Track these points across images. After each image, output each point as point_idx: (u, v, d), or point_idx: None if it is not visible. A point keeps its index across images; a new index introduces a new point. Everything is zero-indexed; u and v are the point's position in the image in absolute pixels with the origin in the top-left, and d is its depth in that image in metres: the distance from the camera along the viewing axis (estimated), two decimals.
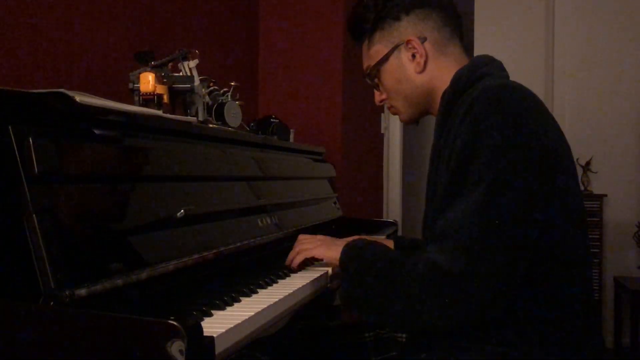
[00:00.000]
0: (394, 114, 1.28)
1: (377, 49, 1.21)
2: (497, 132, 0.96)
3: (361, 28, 1.24)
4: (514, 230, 0.94)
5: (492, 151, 0.96)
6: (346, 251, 1.14)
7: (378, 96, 1.28)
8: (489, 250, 0.93)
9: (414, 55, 1.17)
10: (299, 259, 1.31)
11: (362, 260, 1.09)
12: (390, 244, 1.52)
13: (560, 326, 1.00)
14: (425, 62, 1.17)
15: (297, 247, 1.33)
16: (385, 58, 1.20)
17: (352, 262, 1.10)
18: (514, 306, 0.99)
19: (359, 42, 1.27)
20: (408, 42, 1.17)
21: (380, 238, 1.57)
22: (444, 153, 1.06)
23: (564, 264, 1.01)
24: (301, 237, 1.36)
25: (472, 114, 0.99)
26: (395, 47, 1.19)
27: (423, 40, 1.17)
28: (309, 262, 1.39)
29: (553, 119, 1.06)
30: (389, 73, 1.21)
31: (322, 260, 1.33)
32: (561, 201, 1.00)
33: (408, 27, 1.18)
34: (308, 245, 1.30)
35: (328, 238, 1.32)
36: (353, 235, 1.55)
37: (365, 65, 1.26)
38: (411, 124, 1.31)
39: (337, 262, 1.15)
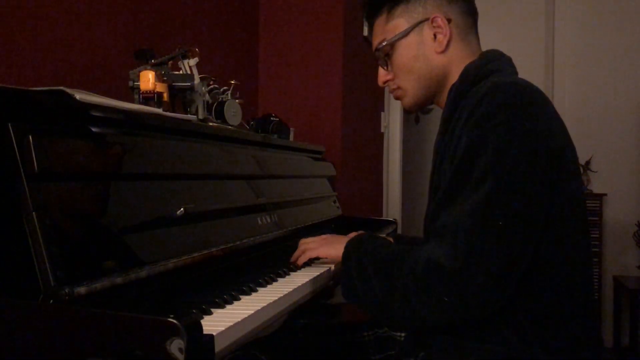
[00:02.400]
0: (397, 97, 1.24)
1: (396, 23, 1.17)
2: (504, 130, 0.96)
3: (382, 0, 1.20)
4: (515, 230, 0.94)
5: (498, 150, 0.95)
6: (348, 245, 1.14)
7: (384, 75, 1.23)
8: (488, 249, 0.93)
9: (435, 36, 1.15)
10: (303, 259, 1.31)
11: (363, 253, 1.09)
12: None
13: (560, 326, 1.00)
14: (448, 44, 1.15)
15: (302, 246, 1.32)
16: (405, 33, 1.16)
17: (353, 255, 1.11)
18: (513, 305, 0.99)
19: (373, 15, 1.22)
20: (433, 19, 1.14)
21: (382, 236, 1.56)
22: (449, 149, 1.05)
23: (565, 264, 1.01)
24: (303, 240, 1.36)
25: (480, 110, 0.98)
26: (419, 23, 1.15)
27: (449, 21, 1.14)
28: (310, 261, 1.39)
29: (560, 119, 1.06)
30: (406, 49, 1.17)
31: (325, 258, 1.32)
32: (563, 201, 1.00)
33: (435, 5, 1.15)
34: (312, 245, 1.30)
35: (331, 236, 1.33)
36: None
37: (378, 39, 1.21)
38: (413, 111, 1.29)
39: (340, 259, 1.15)
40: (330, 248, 1.26)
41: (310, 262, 1.38)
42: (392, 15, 1.18)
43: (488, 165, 0.95)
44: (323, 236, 1.34)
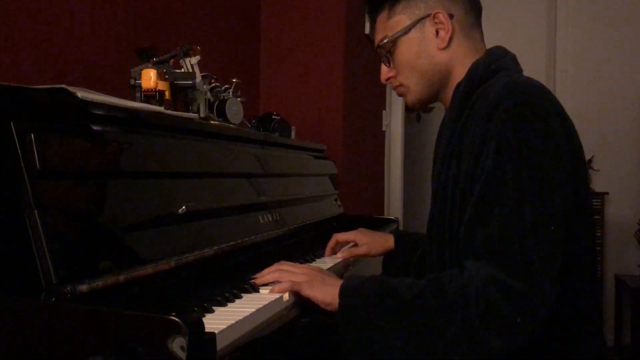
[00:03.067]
0: (400, 94, 1.22)
1: (398, 20, 1.16)
2: (535, 135, 0.94)
3: None
4: (558, 233, 0.93)
5: (531, 155, 0.93)
6: (350, 294, 0.98)
7: (386, 72, 1.21)
8: (545, 259, 0.90)
9: (437, 32, 1.13)
10: (284, 288, 1.05)
11: (380, 299, 0.95)
12: (390, 238, 1.52)
13: (563, 325, 1.00)
14: (450, 40, 1.13)
15: (281, 271, 1.10)
16: (407, 29, 1.15)
17: (363, 306, 0.96)
18: None
19: (375, 11, 1.21)
20: (435, 15, 1.12)
21: (380, 234, 1.56)
22: (459, 150, 1.04)
23: (571, 263, 1.00)
24: (281, 263, 1.14)
25: (502, 113, 0.96)
26: (420, 20, 1.14)
27: (451, 17, 1.13)
28: (310, 260, 1.39)
29: (569, 117, 1.05)
30: (407, 46, 1.15)
31: (322, 258, 1.27)
32: (576, 202, 1.00)
33: (436, 1, 1.13)
34: (294, 277, 1.07)
35: (315, 271, 1.09)
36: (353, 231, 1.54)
37: (380, 36, 1.19)
38: (417, 108, 1.27)
39: (329, 307, 1.01)
40: (316, 291, 1.03)
41: (312, 263, 1.37)
42: (393, 11, 1.17)
43: (523, 172, 0.93)
44: (304, 269, 1.11)
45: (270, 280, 1.08)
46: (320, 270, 1.12)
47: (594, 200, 3.48)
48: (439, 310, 0.90)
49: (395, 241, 1.50)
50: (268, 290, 1.05)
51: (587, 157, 3.55)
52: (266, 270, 1.12)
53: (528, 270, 0.89)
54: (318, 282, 1.05)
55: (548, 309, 0.90)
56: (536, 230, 0.91)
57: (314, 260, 1.42)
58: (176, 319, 0.67)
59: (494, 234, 0.91)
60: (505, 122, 0.96)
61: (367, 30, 2.91)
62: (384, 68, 1.22)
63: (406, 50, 1.16)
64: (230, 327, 0.83)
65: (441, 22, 1.13)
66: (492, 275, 0.89)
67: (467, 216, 0.97)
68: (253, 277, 1.12)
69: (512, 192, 0.92)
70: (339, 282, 1.02)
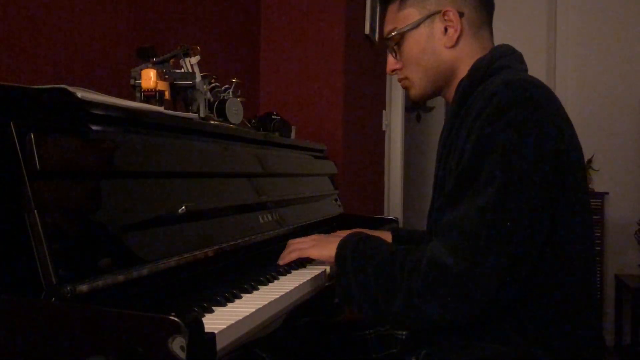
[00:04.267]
0: (405, 87, 1.22)
1: (408, 13, 1.15)
2: (514, 130, 0.94)
3: None
4: (521, 232, 0.93)
5: (507, 149, 0.94)
6: (341, 247, 1.11)
7: (392, 64, 1.21)
8: (494, 250, 0.92)
9: (446, 29, 1.13)
10: (291, 257, 1.27)
11: (359, 255, 1.07)
12: (388, 235, 1.52)
13: (562, 325, 1.00)
14: (458, 39, 1.13)
15: (291, 246, 1.29)
16: (416, 24, 1.14)
17: (348, 258, 1.08)
18: (516, 304, 0.98)
19: (386, 2, 1.20)
20: (445, 12, 1.12)
21: (378, 232, 1.56)
22: (456, 144, 1.04)
23: (569, 264, 1.00)
24: (292, 240, 1.32)
25: (490, 108, 0.97)
26: (430, 15, 1.13)
27: (461, 15, 1.12)
28: (309, 260, 1.39)
29: (568, 117, 1.05)
30: (415, 41, 1.15)
31: (316, 259, 1.31)
32: (569, 202, 1.00)
33: None
34: (302, 245, 1.27)
35: (321, 236, 1.29)
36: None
37: (389, 27, 1.19)
38: (420, 102, 1.28)
39: (333, 260, 1.13)
40: (322, 248, 1.22)
41: (309, 261, 1.37)
42: (404, 4, 1.16)
43: (496, 165, 0.94)
44: (313, 236, 1.31)
45: (287, 258, 1.27)
46: (325, 235, 1.30)
47: (594, 200, 3.48)
48: (394, 279, 0.99)
49: (393, 238, 1.50)
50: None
51: (587, 157, 3.56)
52: (283, 253, 1.29)
53: (472, 257, 0.92)
54: (323, 242, 1.24)
55: (487, 297, 0.93)
56: (494, 222, 0.92)
57: (314, 260, 1.42)
58: (176, 319, 0.67)
59: (455, 219, 0.96)
60: (489, 117, 0.97)
61: (367, 31, 2.91)
62: (390, 59, 1.21)
63: (413, 45, 1.15)
64: (230, 327, 0.83)
65: (450, 20, 1.12)
66: (439, 255, 0.95)
67: (442, 199, 1.03)
68: (276, 263, 1.29)
69: (483, 184, 0.94)
70: (341, 239, 1.15)
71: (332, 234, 1.31)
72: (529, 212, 0.94)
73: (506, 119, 0.95)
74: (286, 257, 1.28)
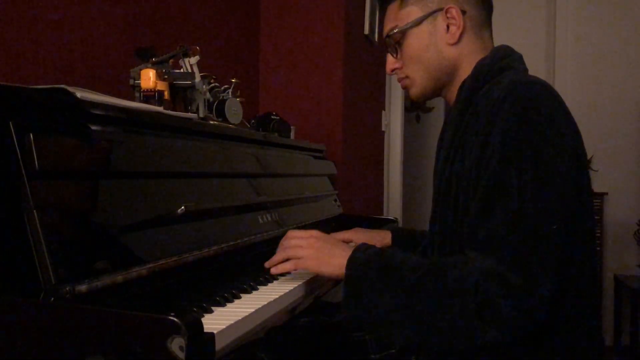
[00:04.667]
0: (405, 87, 1.21)
1: (410, 11, 1.15)
2: (539, 131, 0.94)
3: None
4: (558, 234, 0.93)
5: (536, 152, 0.93)
6: (354, 266, 1.00)
7: (392, 63, 1.20)
8: (546, 256, 0.91)
9: (448, 27, 1.12)
10: (285, 268, 1.12)
11: (382, 275, 0.96)
12: (388, 234, 1.51)
13: (562, 325, 1.00)
14: (460, 36, 1.12)
15: (287, 250, 1.13)
16: (418, 22, 1.14)
17: (367, 279, 0.97)
18: None
19: (387, 1, 1.20)
20: (448, 10, 1.12)
21: (377, 231, 1.56)
22: (462, 148, 1.04)
23: (571, 264, 1.00)
24: (290, 233, 1.16)
25: (507, 110, 0.96)
26: (432, 13, 1.13)
27: (463, 13, 1.12)
28: None
29: (573, 118, 1.05)
30: (417, 38, 1.15)
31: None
32: (581, 200, 1.00)
33: None
34: (299, 252, 1.11)
35: (320, 239, 1.12)
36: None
37: (389, 26, 1.18)
38: (420, 101, 1.26)
39: (337, 278, 1.05)
40: (321, 264, 1.07)
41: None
42: (406, 2, 1.16)
43: (528, 168, 0.93)
44: (312, 232, 1.14)
45: (281, 268, 1.12)
46: (326, 238, 1.13)
47: (593, 200, 3.48)
48: (439, 296, 0.91)
49: (393, 237, 1.50)
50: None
51: (587, 157, 3.56)
52: (275, 256, 1.14)
53: (527, 267, 0.89)
54: (325, 255, 1.07)
55: (544, 305, 0.90)
56: (536, 227, 0.91)
57: None
58: (175, 319, 0.67)
59: (496, 229, 0.92)
60: (509, 120, 0.96)
61: (366, 31, 2.91)
62: (390, 58, 1.21)
63: (415, 42, 1.15)
64: (230, 327, 0.83)
65: (453, 17, 1.12)
66: (493, 268, 0.89)
67: (472, 210, 0.98)
68: (266, 269, 1.16)
69: (516, 189, 0.93)
70: (347, 253, 1.04)
71: (330, 236, 1.19)
72: (560, 216, 0.93)
73: (524, 121, 0.95)
74: (279, 267, 1.13)
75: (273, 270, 1.14)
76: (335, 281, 1.21)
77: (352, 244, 1.09)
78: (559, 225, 0.93)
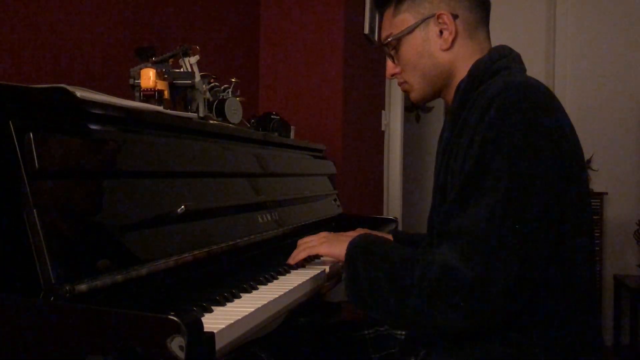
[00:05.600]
0: (405, 90, 1.23)
1: (403, 18, 1.16)
2: (518, 132, 0.94)
3: None
4: (531, 234, 0.93)
5: (513, 152, 0.94)
6: (353, 247, 1.10)
7: (391, 68, 1.22)
8: (506, 255, 0.91)
9: (441, 32, 1.13)
10: (302, 256, 1.30)
11: (371, 258, 1.06)
12: (389, 238, 1.51)
13: (562, 326, 1.00)
14: (453, 41, 1.13)
15: (301, 245, 1.31)
16: (411, 29, 1.15)
17: (359, 259, 1.07)
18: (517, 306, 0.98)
19: (382, 6, 1.21)
20: (439, 16, 1.12)
21: (380, 234, 1.56)
22: (459, 147, 1.04)
23: (569, 264, 1.00)
24: (302, 239, 1.34)
25: (493, 110, 0.97)
26: (424, 20, 1.14)
27: (455, 17, 1.13)
28: (309, 259, 1.39)
29: (568, 118, 1.05)
30: (411, 45, 1.16)
31: (322, 257, 1.32)
32: (572, 202, 0.99)
33: (441, 1, 1.13)
34: (311, 243, 1.29)
35: (332, 234, 1.30)
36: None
37: (386, 33, 1.20)
38: (421, 104, 1.28)
39: (343, 259, 1.13)
40: (332, 246, 1.23)
41: (308, 260, 1.37)
42: (398, 9, 1.17)
43: (502, 168, 0.93)
44: (322, 234, 1.32)
45: (299, 259, 1.31)
46: (334, 233, 1.32)
47: (593, 200, 3.48)
48: (405, 285, 0.98)
49: (394, 240, 1.50)
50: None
51: (587, 157, 3.56)
52: (294, 252, 1.32)
53: (485, 263, 0.91)
54: (333, 240, 1.26)
55: (499, 303, 0.92)
56: (502, 227, 0.92)
57: (313, 260, 1.42)
58: (175, 319, 0.67)
59: (464, 224, 0.95)
60: (492, 121, 0.96)
61: (366, 30, 2.91)
62: (389, 64, 1.22)
63: (410, 49, 1.16)
64: (229, 326, 0.83)
65: (445, 23, 1.13)
66: (449, 261, 0.93)
67: (446, 204, 1.02)
68: (286, 263, 1.32)
69: (490, 189, 0.94)
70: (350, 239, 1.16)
71: (340, 233, 1.32)
72: (537, 213, 0.93)
73: (509, 122, 0.95)
74: (296, 256, 1.30)
75: (290, 261, 1.31)
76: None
77: None
78: (527, 227, 0.92)
